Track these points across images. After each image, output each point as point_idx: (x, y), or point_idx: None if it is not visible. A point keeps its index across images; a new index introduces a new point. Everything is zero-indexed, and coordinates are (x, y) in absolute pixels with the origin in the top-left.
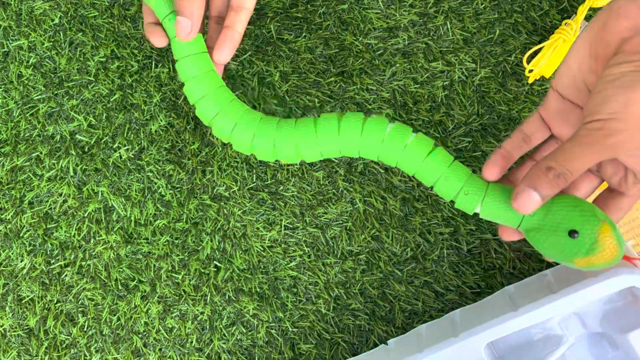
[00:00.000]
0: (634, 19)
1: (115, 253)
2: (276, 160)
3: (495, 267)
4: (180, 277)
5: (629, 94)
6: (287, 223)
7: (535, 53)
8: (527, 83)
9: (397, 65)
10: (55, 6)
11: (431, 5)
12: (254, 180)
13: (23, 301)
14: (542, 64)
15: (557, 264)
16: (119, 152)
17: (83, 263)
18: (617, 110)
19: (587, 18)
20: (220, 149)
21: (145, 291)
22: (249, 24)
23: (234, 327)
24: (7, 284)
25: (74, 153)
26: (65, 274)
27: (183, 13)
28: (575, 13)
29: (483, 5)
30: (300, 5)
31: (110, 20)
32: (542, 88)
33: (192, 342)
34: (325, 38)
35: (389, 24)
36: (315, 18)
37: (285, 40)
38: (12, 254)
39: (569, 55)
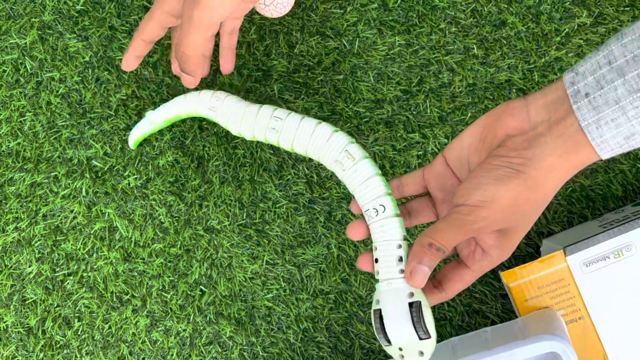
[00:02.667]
0: (521, 122)
1: (114, 268)
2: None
3: (447, 319)
4: (169, 296)
5: (497, 187)
6: (269, 259)
7: None
8: None
9: (380, 132)
10: (88, 46)
11: (414, 85)
12: (244, 217)
13: (27, 302)
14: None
15: (498, 323)
16: (128, 180)
17: (84, 274)
18: (485, 199)
19: None
20: (218, 186)
21: (136, 305)
22: (255, 81)
23: (211, 346)
24: (15, 285)
25: (88, 176)
26: (67, 282)
27: (190, 73)
28: None
29: (459, 89)
30: (302, 72)
31: None
32: None
33: (172, 355)
34: (321, 102)
35: (377, 96)
36: (313, 84)
37: (285, 100)
38: (22, 259)
39: (465, 131)
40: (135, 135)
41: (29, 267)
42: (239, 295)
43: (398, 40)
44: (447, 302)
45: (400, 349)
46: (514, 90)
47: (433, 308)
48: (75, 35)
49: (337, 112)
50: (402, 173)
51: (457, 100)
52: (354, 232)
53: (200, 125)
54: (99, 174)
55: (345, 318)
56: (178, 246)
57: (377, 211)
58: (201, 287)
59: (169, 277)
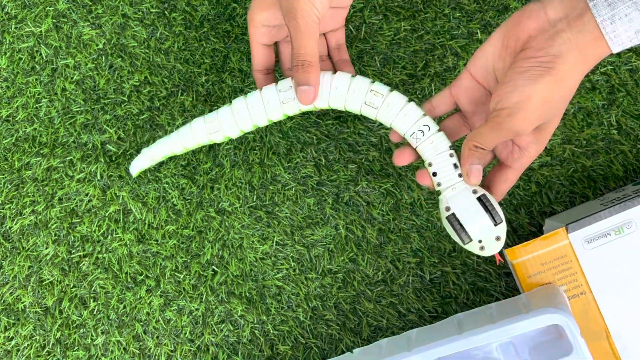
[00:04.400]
0: (541, 22)
1: (128, 250)
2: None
3: (452, 296)
4: (182, 276)
5: (532, 86)
6: (279, 240)
7: None
8: None
9: None
10: (101, 34)
11: (420, 69)
12: (254, 200)
13: (44, 283)
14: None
15: (502, 300)
16: None
17: (99, 255)
18: (522, 99)
19: None
20: (229, 169)
21: (150, 285)
22: None
23: (223, 325)
24: (32, 266)
25: (102, 160)
26: (83, 263)
27: (310, 84)
28: None
29: None
30: None
31: (147, 50)
32: None
33: (185, 334)
34: None
35: (383, 81)
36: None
37: None
38: (39, 241)
39: (486, 43)
40: (137, 168)
41: (46, 249)
42: (249, 275)
43: (404, 26)
44: (452, 279)
45: (480, 241)
46: None
47: (439, 284)
48: (89, 23)
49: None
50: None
51: None
52: (402, 158)
53: (212, 110)
54: (113, 158)
55: (353, 297)
56: (190, 228)
57: (422, 132)
58: (213, 267)
59: (182, 257)
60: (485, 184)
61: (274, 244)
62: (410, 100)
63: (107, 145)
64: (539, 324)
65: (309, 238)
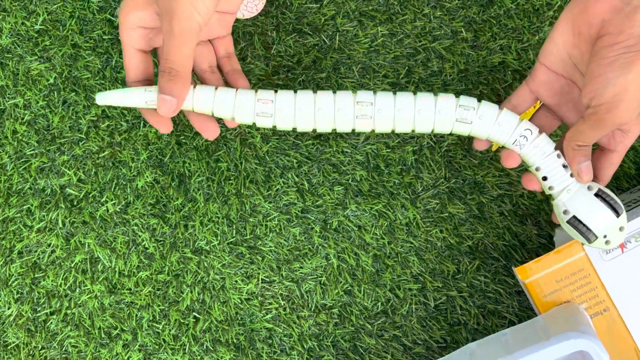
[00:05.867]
0: (611, 2)
1: (99, 302)
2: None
3: (461, 323)
4: (160, 326)
5: (626, 76)
6: (264, 277)
7: None
8: (491, 150)
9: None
10: (51, 67)
11: (403, 76)
12: (234, 234)
13: (9, 347)
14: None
15: (516, 324)
16: (106, 206)
17: (68, 311)
18: (618, 92)
19: None
20: (203, 204)
21: (127, 340)
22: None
23: None
24: None
25: (63, 206)
26: (50, 321)
27: (173, 94)
28: None
29: (451, 76)
30: (281, 73)
31: (102, 81)
32: None
33: None
34: None
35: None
36: (295, 85)
37: None
38: (0, 301)
39: (554, 33)
40: (108, 97)
41: (8, 309)
42: (235, 318)
43: (381, 31)
44: (459, 304)
45: (605, 236)
46: (509, 72)
47: (446, 311)
48: (37, 57)
49: None
50: (397, 171)
51: (450, 88)
52: (511, 161)
53: (178, 140)
54: (75, 203)
55: (352, 333)
56: (166, 272)
57: (525, 137)
58: (194, 313)
59: (159, 306)
60: None
61: (260, 281)
62: (498, 106)
63: (67, 189)
64: (562, 352)
65: (298, 272)
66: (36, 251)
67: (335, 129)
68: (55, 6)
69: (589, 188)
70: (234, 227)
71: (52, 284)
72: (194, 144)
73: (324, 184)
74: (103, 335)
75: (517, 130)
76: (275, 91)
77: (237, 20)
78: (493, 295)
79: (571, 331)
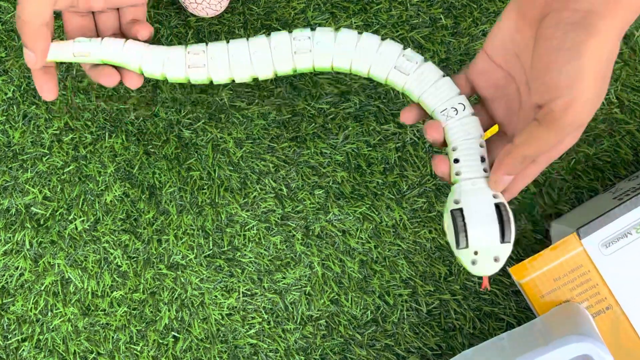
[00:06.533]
0: None
1: (73, 326)
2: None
3: (456, 328)
4: (139, 348)
5: (578, 61)
6: (245, 290)
7: None
8: None
9: (350, 128)
10: (8, 80)
11: None
12: (211, 247)
13: None
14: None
15: (514, 326)
16: (75, 224)
17: (41, 337)
18: (572, 82)
19: None
20: (176, 216)
21: None
22: (201, 92)
23: None
24: None
25: (29, 226)
26: (22, 348)
27: (27, 46)
28: None
29: None
30: None
31: (64, 92)
32: None
33: None
34: (278, 104)
35: (340, 89)
36: (267, 85)
37: (238, 107)
38: None
39: (501, 16)
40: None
41: None
42: (217, 335)
43: (355, 22)
44: (453, 308)
45: (476, 253)
46: None
47: (439, 316)
48: None
49: (298, 113)
50: (380, 170)
51: None
52: (434, 132)
53: (147, 150)
54: (41, 222)
55: (342, 344)
56: (141, 290)
57: (456, 110)
58: (173, 333)
59: (136, 326)
60: None
61: (241, 295)
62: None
63: (33, 208)
64: (564, 357)
65: (281, 283)
66: (3, 275)
67: (275, 72)
68: (9, 15)
69: (494, 196)
70: (211, 239)
71: (22, 309)
72: (163, 153)
73: (303, 188)
74: None
75: (452, 100)
76: (207, 44)
77: (202, 19)
78: (489, 296)
79: (572, 334)
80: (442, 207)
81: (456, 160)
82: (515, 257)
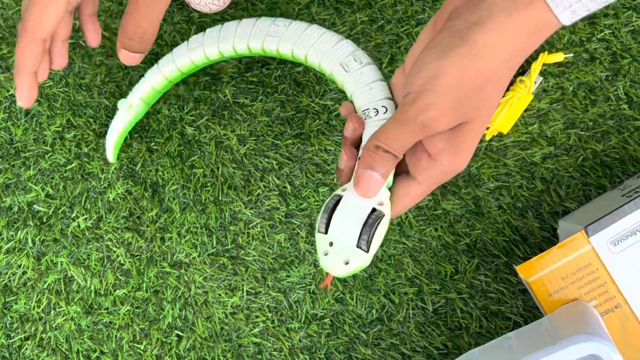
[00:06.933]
0: None
1: (76, 324)
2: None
3: (462, 327)
4: (142, 347)
5: (441, 61)
6: (249, 288)
7: None
8: (485, 140)
9: None
10: (10, 77)
11: (386, 65)
12: (214, 245)
13: None
14: (499, 120)
15: (522, 326)
16: (77, 222)
17: (44, 335)
18: (427, 80)
19: (542, 73)
20: (179, 214)
21: None
22: (204, 88)
23: None
24: None
25: (32, 224)
26: (25, 347)
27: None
28: (529, 70)
29: None
30: (255, 69)
31: (66, 89)
32: (501, 144)
33: None
34: (282, 101)
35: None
36: (270, 81)
37: (241, 104)
38: None
39: (421, 32)
40: (113, 139)
41: None
42: (221, 334)
43: (360, 17)
44: (459, 307)
45: (331, 244)
46: None
47: (445, 315)
48: None
49: (302, 110)
50: None
51: None
52: (343, 109)
53: (149, 147)
54: (44, 220)
55: (346, 343)
56: (144, 289)
57: (377, 111)
58: (177, 331)
59: (139, 325)
60: None
61: (245, 294)
62: (384, 80)
63: (35, 206)
64: (572, 357)
65: (285, 281)
66: (6, 273)
67: (249, 47)
68: (12, 12)
69: (380, 203)
70: (214, 237)
71: (24, 307)
72: (166, 150)
73: (307, 185)
74: (82, 359)
75: (376, 102)
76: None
77: (205, 15)
78: (495, 295)
79: (581, 333)
80: (448, 204)
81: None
82: (523, 256)
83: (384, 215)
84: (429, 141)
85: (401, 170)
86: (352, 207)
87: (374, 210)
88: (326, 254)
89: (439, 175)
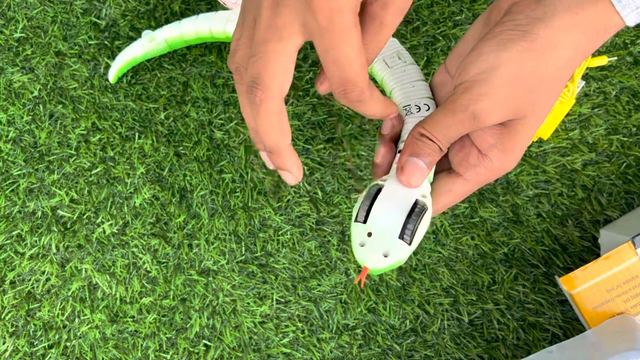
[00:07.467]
0: None
1: (100, 332)
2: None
3: (499, 339)
4: (168, 356)
5: (499, 53)
6: (279, 297)
7: None
8: None
9: None
10: (35, 78)
11: (422, 67)
12: (243, 252)
13: None
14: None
15: (561, 339)
16: (102, 228)
17: (68, 344)
18: (483, 70)
19: (584, 77)
20: (207, 220)
21: None
22: (233, 91)
23: None
24: None
25: (55, 229)
26: (49, 355)
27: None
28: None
29: None
30: None
31: (91, 91)
32: (540, 150)
33: None
34: (313, 104)
35: (379, 87)
36: (301, 84)
37: None
38: None
39: (469, 29)
40: (121, 61)
41: (3, 344)
42: (249, 344)
43: None
44: (496, 318)
45: (369, 235)
46: None
47: (481, 326)
48: (19, 67)
49: (334, 114)
50: None
51: None
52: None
53: (177, 151)
54: (68, 225)
55: (379, 354)
56: (171, 297)
57: (419, 108)
58: (204, 341)
59: (166, 334)
60: None
61: (274, 302)
62: (426, 79)
63: (59, 211)
64: None
65: (316, 290)
66: (30, 280)
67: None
68: (36, 11)
69: (423, 195)
70: (243, 244)
71: (48, 315)
72: (194, 155)
73: (339, 191)
74: None
75: (418, 100)
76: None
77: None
78: (533, 306)
79: (630, 350)
80: (485, 212)
81: (399, 151)
82: (562, 266)
83: (428, 208)
84: (479, 136)
85: (441, 169)
86: (395, 196)
87: (416, 202)
88: (363, 245)
89: (486, 172)
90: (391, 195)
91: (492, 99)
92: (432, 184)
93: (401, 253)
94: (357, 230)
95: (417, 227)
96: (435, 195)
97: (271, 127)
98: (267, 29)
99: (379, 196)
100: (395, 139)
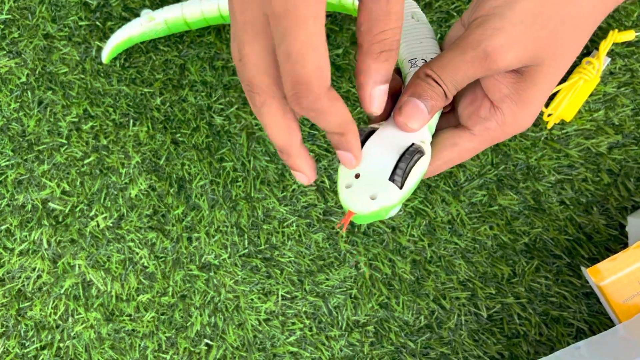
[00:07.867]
0: None
1: (95, 332)
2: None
3: (520, 335)
4: (168, 356)
5: None
6: (285, 292)
7: (554, 95)
8: (546, 128)
9: None
10: (22, 63)
11: None
12: (246, 245)
13: None
14: (562, 107)
15: (587, 334)
16: (96, 221)
17: (61, 344)
18: (501, 3)
19: (609, 54)
20: (207, 212)
21: None
22: (234, 74)
23: None
24: None
25: (47, 223)
26: (41, 357)
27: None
28: (597, 49)
29: None
30: None
31: (82, 76)
32: (563, 133)
33: None
34: None
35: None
36: None
37: None
38: None
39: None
40: (116, 40)
41: None
42: (254, 343)
43: None
44: (517, 312)
45: (357, 176)
46: None
47: (501, 321)
48: (5, 52)
49: (341, 96)
50: None
51: None
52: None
53: (174, 139)
54: (60, 219)
55: (392, 353)
56: (170, 293)
57: (425, 61)
58: (206, 340)
59: (165, 333)
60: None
61: (280, 298)
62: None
63: (50, 204)
64: None
65: (324, 285)
66: (20, 277)
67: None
68: None
69: (421, 141)
70: (246, 237)
71: (40, 314)
72: (193, 142)
73: None
74: None
75: (427, 55)
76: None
77: None
78: (556, 299)
79: None
80: (504, 200)
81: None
82: (588, 256)
83: (424, 153)
84: (492, 85)
85: (448, 126)
86: (389, 138)
87: (412, 144)
88: (349, 187)
89: (497, 128)
90: (385, 137)
91: (508, 35)
92: (434, 137)
93: (391, 197)
94: (344, 171)
95: (409, 169)
96: (437, 148)
97: (277, 126)
98: (242, 28)
99: (372, 137)
100: (395, 96)
